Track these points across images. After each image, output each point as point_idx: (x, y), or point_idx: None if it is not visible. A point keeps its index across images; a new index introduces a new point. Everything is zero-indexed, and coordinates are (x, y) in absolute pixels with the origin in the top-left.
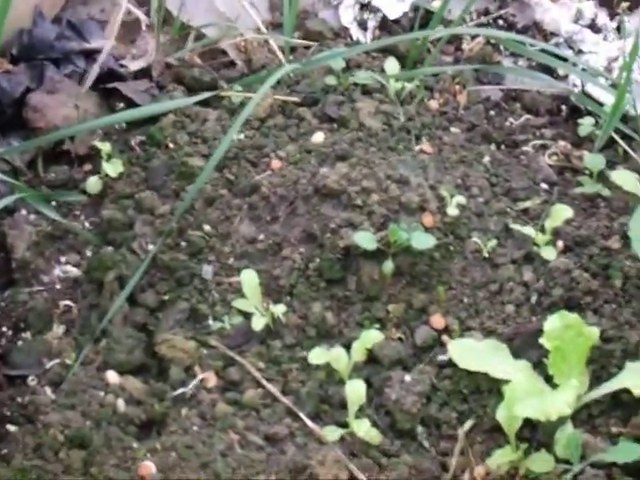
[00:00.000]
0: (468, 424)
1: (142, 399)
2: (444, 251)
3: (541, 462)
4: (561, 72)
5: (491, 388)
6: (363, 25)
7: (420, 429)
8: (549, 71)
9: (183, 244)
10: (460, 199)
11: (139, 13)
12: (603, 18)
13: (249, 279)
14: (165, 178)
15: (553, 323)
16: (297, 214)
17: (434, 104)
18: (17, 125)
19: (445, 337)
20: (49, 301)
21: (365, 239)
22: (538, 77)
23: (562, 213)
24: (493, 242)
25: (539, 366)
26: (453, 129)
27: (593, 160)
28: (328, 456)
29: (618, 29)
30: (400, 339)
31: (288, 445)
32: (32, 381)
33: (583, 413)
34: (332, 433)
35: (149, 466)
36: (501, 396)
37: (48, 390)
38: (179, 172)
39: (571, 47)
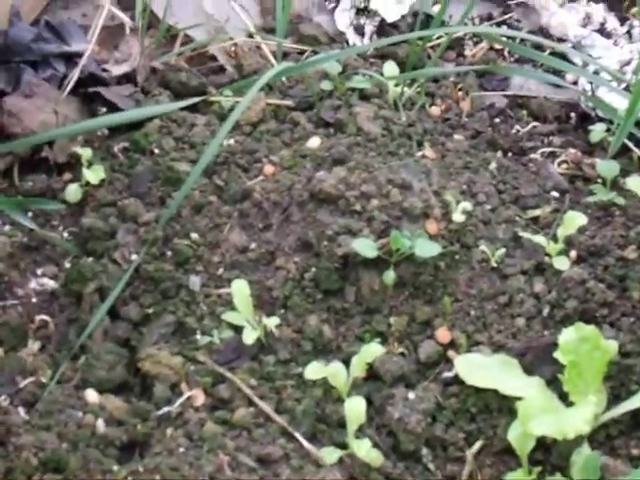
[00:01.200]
0: (477, 445)
1: (124, 419)
2: (449, 260)
3: None
4: (570, 77)
5: (501, 407)
6: (360, 30)
7: (425, 451)
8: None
9: (169, 254)
10: (466, 205)
11: (123, 16)
12: (613, 22)
13: (240, 290)
14: (150, 185)
15: (568, 335)
16: (291, 221)
17: (436, 110)
18: None
19: (451, 352)
20: (24, 315)
21: (365, 247)
22: (546, 79)
23: (575, 221)
24: (501, 251)
25: (553, 383)
26: (456, 136)
27: (606, 167)
28: (326, 479)
29: (629, 34)
30: (403, 354)
31: (282, 467)
32: (4, 401)
33: (601, 434)
34: (330, 454)
35: None
36: (512, 415)
37: (21, 410)
38: (165, 178)
39: (580, 52)
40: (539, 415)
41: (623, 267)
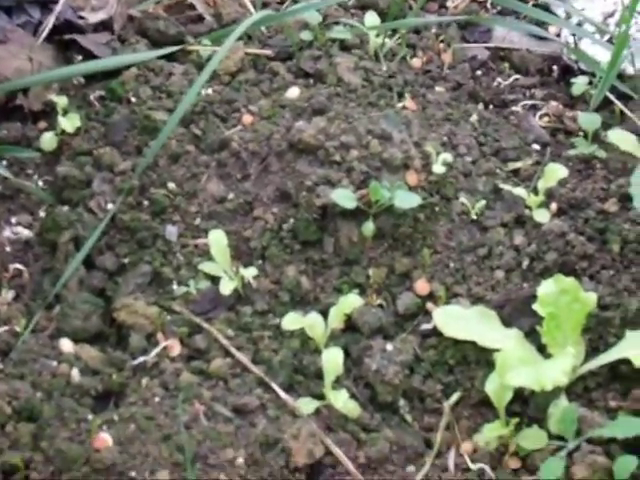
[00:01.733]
0: (454, 397)
1: (99, 369)
2: (429, 212)
3: (533, 438)
4: (553, 29)
5: (479, 358)
6: None
7: (402, 402)
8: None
9: (145, 203)
10: (446, 157)
11: None
12: None
13: (217, 240)
14: (126, 134)
15: (548, 287)
16: (270, 171)
17: (417, 62)
18: None
19: (430, 304)
20: None
21: (344, 197)
22: (529, 30)
23: (556, 173)
24: (482, 203)
25: (531, 335)
26: (438, 88)
27: (588, 120)
28: (302, 430)
29: None
30: (381, 306)
31: (259, 417)
32: None
33: (579, 386)
34: (307, 405)
35: (105, 438)
36: (490, 367)
37: None
38: (141, 127)
39: (563, 4)
40: (517, 366)
41: (603, 220)
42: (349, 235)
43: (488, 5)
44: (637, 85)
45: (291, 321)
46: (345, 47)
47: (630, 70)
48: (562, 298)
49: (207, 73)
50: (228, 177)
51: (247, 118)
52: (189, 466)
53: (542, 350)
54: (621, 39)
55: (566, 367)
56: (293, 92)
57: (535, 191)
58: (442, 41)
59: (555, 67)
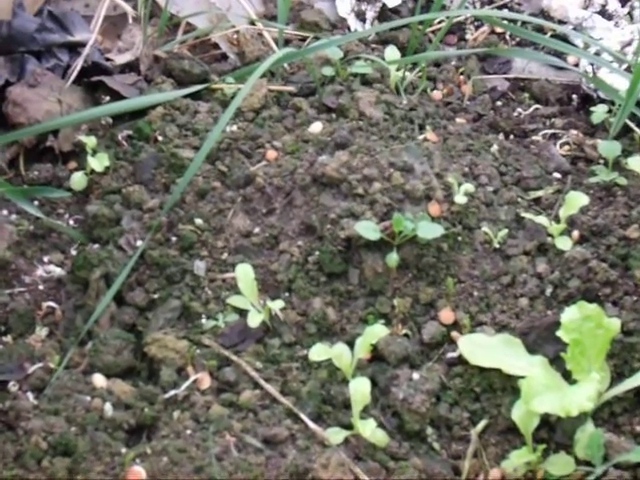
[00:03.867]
0: (481, 424)
1: (131, 403)
2: (452, 242)
3: (561, 464)
4: (572, 59)
5: (505, 386)
6: (361, 16)
7: (430, 430)
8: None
9: (173, 239)
10: (468, 187)
11: (125, 6)
12: (614, 4)
13: (244, 274)
14: (154, 172)
15: (571, 314)
16: (295, 205)
17: (438, 94)
18: None
19: (455, 333)
20: (31, 302)
21: (367, 229)
22: (548, 61)
23: (577, 201)
24: (504, 232)
25: (556, 362)
26: (458, 119)
27: (608, 147)
28: (332, 459)
29: (630, 15)
30: (407, 335)
31: (289, 448)
32: (13, 386)
33: (604, 411)
34: (335, 435)
35: (138, 471)
36: (516, 394)
37: (30, 396)
38: (168, 165)
39: (581, 34)
40: (542, 393)
41: (625, 246)
42: (374, 266)
43: (507, 37)
44: None
45: (318, 352)
46: (366, 82)
47: None
48: (586, 324)
49: (231, 110)
50: (254, 212)
51: (271, 153)
52: None
53: (567, 376)
54: (639, 67)
55: (591, 393)
56: (316, 127)
57: (557, 219)
58: (462, 73)
59: (574, 96)
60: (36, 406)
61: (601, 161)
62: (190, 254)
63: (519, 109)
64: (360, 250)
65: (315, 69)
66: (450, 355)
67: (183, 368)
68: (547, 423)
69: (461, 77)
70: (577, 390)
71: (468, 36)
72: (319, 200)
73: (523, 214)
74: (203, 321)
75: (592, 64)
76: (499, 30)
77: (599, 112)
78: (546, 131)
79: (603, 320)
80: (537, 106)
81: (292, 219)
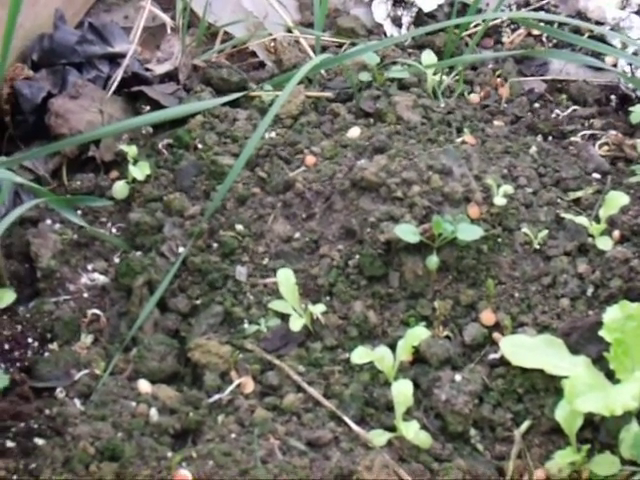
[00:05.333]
0: (524, 425)
1: (176, 407)
2: (492, 243)
3: (606, 464)
4: (609, 60)
5: (548, 386)
6: (397, 21)
7: (473, 431)
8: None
9: (215, 245)
10: (507, 188)
11: (164, 16)
12: None
13: (286, 279)
14: (194, 179)
15: (613, 314)
16: (334, 209)
17: (475, 98)
18: (40, 133)
19: (496, 334)
20: (76, 310)
21: (407, 232)
22: (585, 61)
23: (617, 200)
24: (544, 233)
25: (599, 362)
26: (496, 122)
27: None
28: (375, 461)
29: None
30: (448, 337)
31: (333, 450)
32: (60, 393)
33: None
34: (379, 437)
35: (185, 474)
36: (559, 394)
37: (77, 402)
38: (209, 172)
39: (618, 34)
40: (586, 392)
41: None
42: (414, 269)
43: (544, 39)
44: None
45: (360, 355)
46: (403, 86)
47: None
48: (628, 324)
49: (270, 117)
50: (294, 217)
51: (310, 159)
52: None
53: (610, 376)
54: None
55: (635, 391)
56: (354, 132)
57: (597, 219)
58: (499, 76)
59: (613, 96)
60: (83, 412)
61: None
62: (231, 260)
63: (557, 110)
64: (400, 253)
65: (352, 75)
66: (492, 356)
67: (227, 373)
68: (591, 423)
69: (498, 80)
70: (621, 389)
71: (504, 39)
72: (358, 204)
73: (563, 215)
74: (245, 326)
75: (630, 64)
76: (536, 32)
77: (638, 112)
78: (585, 132)
79: None
80: (575, 107)
81: (332, 223)
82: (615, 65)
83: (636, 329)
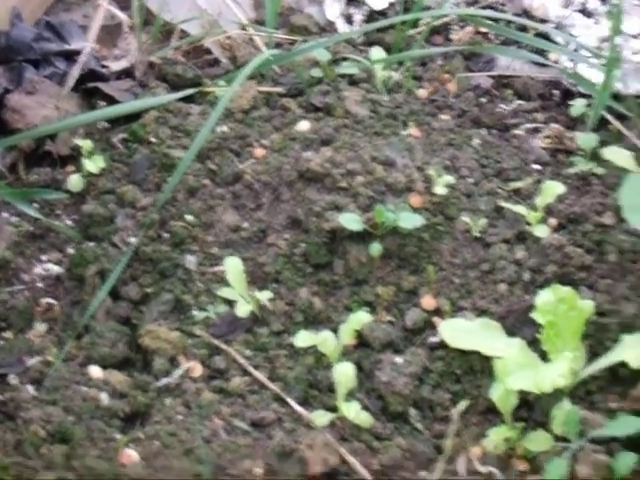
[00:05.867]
0: (462, 405)
1: (126, 392)
2: (433, 231)
3: (539, 441)
4: (553, 56)
5: (484, 368)
6: (349, 19)
7: (413, 411)
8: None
9: (165, 235)
10: (448, 179)
11: (121, 15)
12: (594, 2)
13: (233, 267)
14: (147, 172)
15: (546, 297)
16: (281, 200)
17: (423, 93)
18: None
19: (436, 318)
20: (30, 299)
21: (351, 221)
22: (530, 58)
23: (554, 190)
24: (484, 222)
25: (534, 344)
26: (442, 116)
27: (585, 139)
28: (317, 440)
29: (610, 13)
30: (390, 322)
31: (276, 430)
32: (14, 379)
33: (580, 390)
34: (321, 417)
35: (131, 454)
36: (495, 375)
37: (30, 387)
38: (161, 164)
39: (561, 32)
40: (516, 371)
41: (601, 232)
42: (357, 256)
43: (491, 36)
44: (631, 105)
45: (303, 339)
46: (353, 82)
47: (630, 90)
48: (560, 307)
49: (219, 110)
50: (242, 207)
51: (259, 152)
52: (209, 477)
53: (544, 357)
54: (611, 61)
55: (564, 369)
56: (303, 125)
57: (534, 208)
58: (447, 72)
59: (556, 91)
60: (35, 397)
61: (580, 152)
62: (182, 249)
63: (502, 105)
64: (344, 241)
65: (303, 70)
66: (432, 340)
67: (175, 358)
68: (526, 403)
69: (446, 76)
70: (550, 367)
71: (453, 36)
72: (304, 194)
73: (502, 204)
74: (194, 313)
75: (572, 60)
76: (483, 30)
77: (578, 106)
78: (528, 125)
79: (576, 302)
80: (520, 102)
81: (279, 213)
82: (557, 62)
83: (567, 312)
